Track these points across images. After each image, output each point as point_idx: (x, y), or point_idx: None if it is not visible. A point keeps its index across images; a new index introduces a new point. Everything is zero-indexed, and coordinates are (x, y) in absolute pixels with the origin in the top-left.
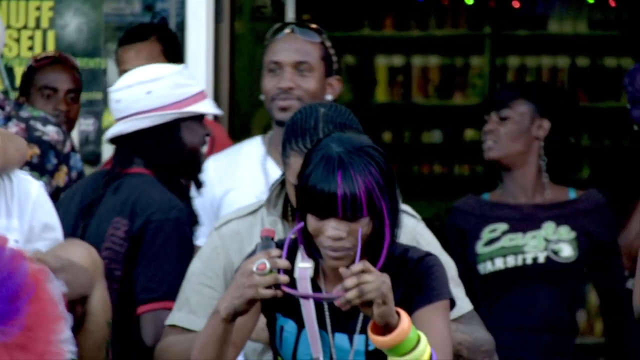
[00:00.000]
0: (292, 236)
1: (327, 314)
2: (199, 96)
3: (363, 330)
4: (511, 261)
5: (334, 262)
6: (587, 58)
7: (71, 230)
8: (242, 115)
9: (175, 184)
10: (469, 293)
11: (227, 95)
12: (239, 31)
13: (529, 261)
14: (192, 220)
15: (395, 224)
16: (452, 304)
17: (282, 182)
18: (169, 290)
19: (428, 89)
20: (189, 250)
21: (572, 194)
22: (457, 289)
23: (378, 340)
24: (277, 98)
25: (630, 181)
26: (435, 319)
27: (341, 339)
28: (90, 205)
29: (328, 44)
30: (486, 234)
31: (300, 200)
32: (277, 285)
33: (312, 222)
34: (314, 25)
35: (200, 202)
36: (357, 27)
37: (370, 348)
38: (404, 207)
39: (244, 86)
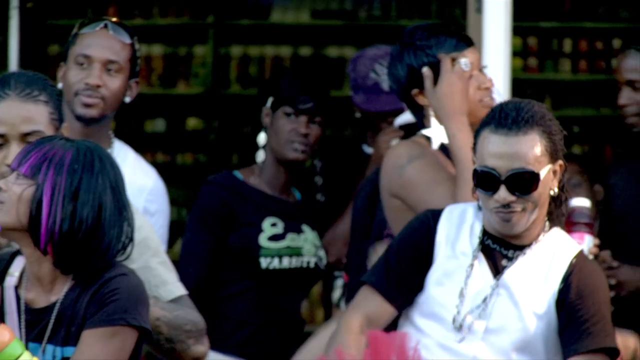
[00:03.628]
0: None
1: (22, 324)
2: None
3: (51, 340)
4: (294, 262)
5: None
6: (309, 47)
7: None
8: None
9: None
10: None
11: None
12: None
13: (304, 264)
14: None
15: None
16: (146, 332)
17: None
18: None
19: (151, 78)
20: None
21: (297, 194)
22: (169, 274)
23: None
24: (82, 93)
25: (353, 171)
26: (95, 344)
27: (34, 349)
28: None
29: (137, 46)
30: (268, 227)
31: None
32: None
33: None
34: (124, 25)
35: None
36: (81, 15)
37: (58, 358)
38: None
39: None
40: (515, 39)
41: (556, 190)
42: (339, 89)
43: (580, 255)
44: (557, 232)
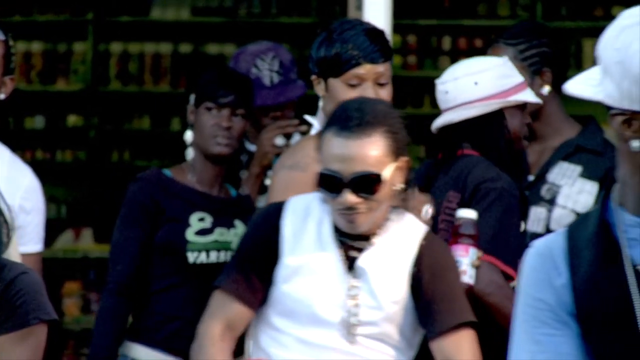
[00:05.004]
0: None
1: None
2: (521, 86)
3: None
4: (222, 257)
5: None
6: (189, 44)
7: None
8: None
9: (506, 165)
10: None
11: None
12: None
13: None
14: (519, 195)
15: None
16: (54, 323)
17: None
18: (486, 246)
19: (31, 75)
20: (510, 218)
21: (233, 191)
22: None
23: None
24: None
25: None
26: (14, 349)
27: None
28: (423, 187)
29: (11, 43)
30: (195, 222)
31: None
32: None
33: None
34: None
35: None
36: None
37: None
38: None
39: None
40: (394, 36)
41: (401, 185)
42: None
43: (428, 235)
44: (402, 215)
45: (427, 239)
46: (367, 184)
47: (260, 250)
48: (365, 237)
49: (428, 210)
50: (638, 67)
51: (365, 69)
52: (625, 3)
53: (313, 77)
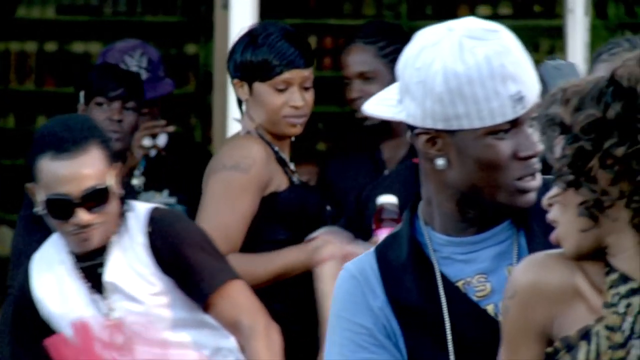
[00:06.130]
0: None
1: None
2: None
3: None
4: None
5: None
6: (55, 43)
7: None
8: None
9: None
10: None
11: None
12: None
13: None
14: None
15: None
16: None
17: None
18: None
19: None
20: None
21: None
22: None
23: None
24: None
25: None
26: None
27: None
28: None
29: None
30: None
31: None
32: None
33: None
34: None
35: None
36: None
37: None
38: None
39: None
40: None
41: (121, 191)
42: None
43: (153, 221)
44: (126, 213)
45: (151, 225)
46: (98, 198)
47: (28, 324)
48: (102, 250)
49: None
50: (440, 86)
51: (292, 74)
52: (489, 3)
53: (235, 80)
